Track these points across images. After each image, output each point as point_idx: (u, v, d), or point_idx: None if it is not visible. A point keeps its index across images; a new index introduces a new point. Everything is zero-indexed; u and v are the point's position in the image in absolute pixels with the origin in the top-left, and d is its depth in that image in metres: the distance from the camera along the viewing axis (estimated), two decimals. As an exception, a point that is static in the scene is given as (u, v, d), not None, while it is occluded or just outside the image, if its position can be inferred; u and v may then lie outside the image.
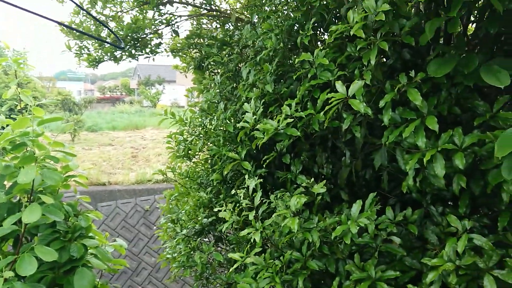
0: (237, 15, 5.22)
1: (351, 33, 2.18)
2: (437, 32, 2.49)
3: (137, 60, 6.03)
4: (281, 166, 3.02)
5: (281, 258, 2.44)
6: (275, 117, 2.60)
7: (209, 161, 3.90)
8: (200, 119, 3.91)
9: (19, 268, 1.93)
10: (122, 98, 45.81)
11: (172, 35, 5.94)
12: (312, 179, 2.58)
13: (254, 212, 2.55)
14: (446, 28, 2.40)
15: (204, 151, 3.92)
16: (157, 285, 9.49)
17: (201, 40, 5.60)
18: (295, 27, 3.15)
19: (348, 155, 2.68)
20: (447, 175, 1.95)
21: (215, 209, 2.82)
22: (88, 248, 2.34)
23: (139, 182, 10.50)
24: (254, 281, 2.38)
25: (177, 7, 5.86)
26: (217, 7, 5.80)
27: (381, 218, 2.31)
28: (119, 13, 5.66)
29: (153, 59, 6.10)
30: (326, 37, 3.02)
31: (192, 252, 3.60)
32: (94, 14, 5.50)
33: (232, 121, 3.39)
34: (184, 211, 3.79)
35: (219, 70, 4.36)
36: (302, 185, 2.61)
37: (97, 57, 5.80)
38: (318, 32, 3.20)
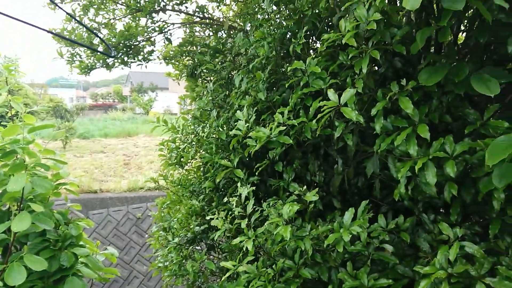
0: (230, 23, 5.25)
1: (343, 41, 2.20)
2: (428, 41, 2.53)
3: (130, 67, 6.00)
4: (274, 174, 3.02)
5: (273, 266, 2.43)
6: (267, 125, 2.60)
7: (202, 169, 3.88)
8: (192, 127, 3.90)
9: (7, 277, 1.89)
10: (114, 105, 45.60)
11: (165, 42, 5.94)
12: (305, 187, 2.58)
13: (247, 220, 2.55)
14: (436, 37, 2.43)
15: (196, 159, 3.91)
16: (149, 294, 9.39)
17: (194, 47, 5.62)
18: (288, 36, 3.18)
19: (340, 163, 2.69)
20: (438, 183, 1.96)
21: (208, 217, 2.80)
22: (79, 256, 2.30)
23: (131, 189, 10.39)
24: (246, 289, 2.37)
25: (170, 15, 5.89)
26: (210, 15, 5.83)
27: (373, 226, 2.32)
28: (112, 20, 5.66)
29: (146, 66, 6.09)
30: (318, 45, 3.04)
31: (184, 261, 3.58)
32: (87, 21, 5.49)
33: (225, 128, 3.39)
34: (176, 219, 3.76)
35: (211, 78, 4.37)
36: (294, 193, 2.61)
37: (89, 64, 5.77)
38: (310, 40, 3.23)
